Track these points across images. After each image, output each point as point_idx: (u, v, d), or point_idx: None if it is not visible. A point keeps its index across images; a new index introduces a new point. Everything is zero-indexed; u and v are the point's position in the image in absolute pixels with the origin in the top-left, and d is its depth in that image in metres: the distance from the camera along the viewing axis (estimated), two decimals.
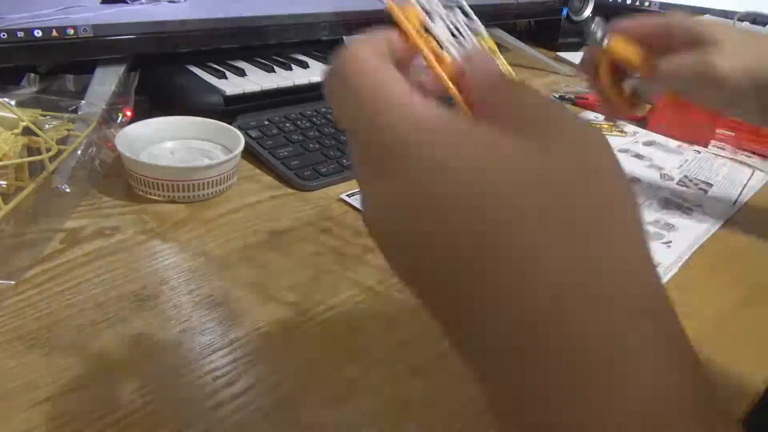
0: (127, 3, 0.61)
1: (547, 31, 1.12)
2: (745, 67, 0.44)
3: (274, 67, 0.71)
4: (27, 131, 0.48)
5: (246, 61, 0.72)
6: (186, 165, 0.51)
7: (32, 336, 0.35)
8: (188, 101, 0.62)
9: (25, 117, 0.48)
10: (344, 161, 0.58)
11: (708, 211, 0.57)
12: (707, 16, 0.99)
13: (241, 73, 0.67)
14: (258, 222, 0.49)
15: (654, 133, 0.76)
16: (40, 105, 0.55)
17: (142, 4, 0.62)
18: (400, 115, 0.19)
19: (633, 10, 1.15)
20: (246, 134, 0.58)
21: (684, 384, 0.17)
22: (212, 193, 0.51)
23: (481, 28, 0.32)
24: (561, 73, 0.99)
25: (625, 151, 0.70)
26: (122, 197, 0.50)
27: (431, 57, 0.24)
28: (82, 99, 0.58)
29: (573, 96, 0.87)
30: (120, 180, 0.51)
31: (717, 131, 0.73)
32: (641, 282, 0.18)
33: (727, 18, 0.95)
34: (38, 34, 0.56)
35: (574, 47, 1.13)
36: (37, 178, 0.46)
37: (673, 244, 0.51)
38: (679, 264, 0.48)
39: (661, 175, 0.64)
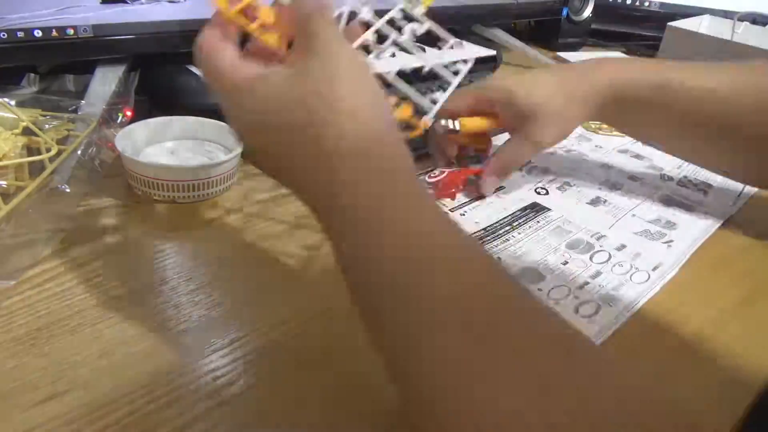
0: (127, 3, 0.61)
1: (547, 31, 1.12)
2: (559, 132, 0.54)
3: None
4: (27, 131, 0.48)
5: None
6: (186, 165, 0.51)
7: (32, 336, 0.35)
8: (188, 101, 0.62)
9: (25, 117, 0.48)
10: None
11: (708, 210, 0.57)
12: (707, 16, 0.99)
13: None
14: (258, 222, 0.49)
15: None
16: (40, 105, 0.55)
17: (142, 4, 0.62)
18: (226, 81, 0.31)
19: (633, 9, 1.15)
20: None
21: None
22: (212, 193, 0.51)
23: None
24: None
25: (625, 151, 0.70)
26: (122, 197, 0.50)
27: (239, 19, 0.32)
28: (82, 99, 0.58)
29: None
30: (120, 180, 0.51)
31: None
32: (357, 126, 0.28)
33: (727, 18, 0.95)
34: (38, 34, 0.56)
35: (574, 47, 1.13)
36: (37, 178, 0.46)
37: (674, 243, 0.51)
38: (680, 264, 0.48)
39: (661, 175, 0.64)
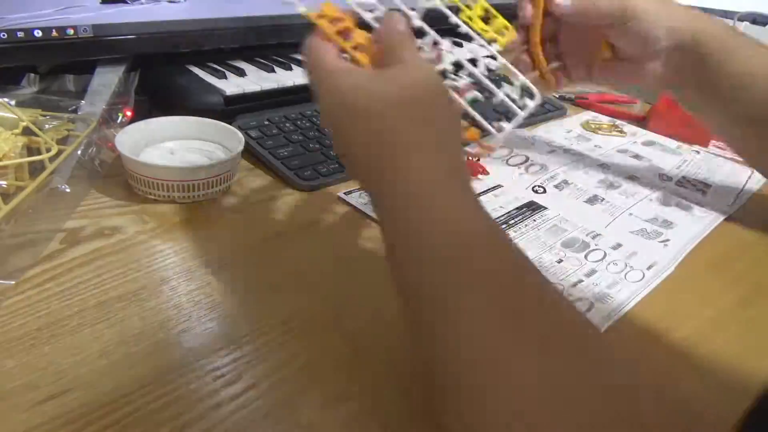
0: (127, 3, 0.61)
1: None
2: (661, 14, 0.49)
3: (274, 67, 0.71)
4: (27, 131, 0.48)
5: (246, 61, 0.72)
6: (186, 165, 0.51)
7: (32, 336, 0.35)
8: (188, 101, 0.62)
9: (25, 117, 0.48)
10: None
11: (707, 210, 0.57)
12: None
13: (241, 73, 0.67)
14: (258, 222, 0.49)
15: (653, 134, 0.76)
16: (40, 105, 0.55)
17: (142, 4, 0.62)
18: (323, 70, 0.36)
19: None
20: (246, 134, 0.58)
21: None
22: (212, 193, 0.51)
23: None
24: None
25: (624, 151, 0.70)
26: (122, 197, 0.50)
27: (337, 39, 0.39)
28: (82, 99, 0.58)
29: (573, 96, 0.87)
30: (120, 180, 0.51)
31: None
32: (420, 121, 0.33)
33: (727, 18, 0.95)
34: (38, 34, 0.56)
35: None
36: (37, 178, 0.46)
37: (671, 242, 0.51)
38: (676, 263, 0.48)
39: (659, 175, 0.64)
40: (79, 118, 0.55)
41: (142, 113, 0.58)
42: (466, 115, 0.43)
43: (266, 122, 0.62)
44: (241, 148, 0.52)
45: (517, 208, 0.55)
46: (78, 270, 0.41)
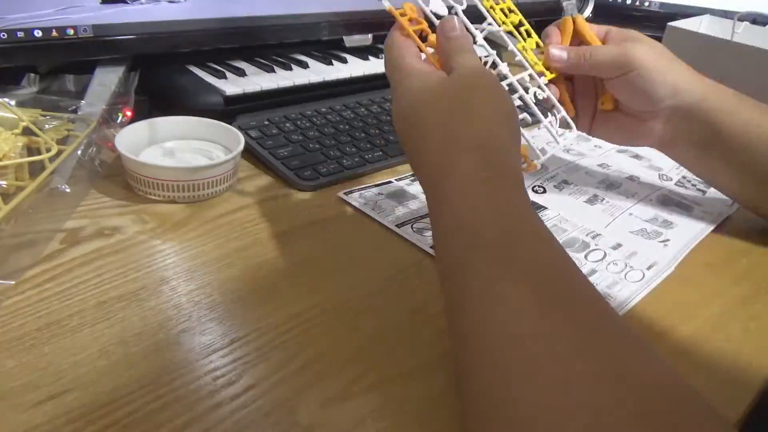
0: (127, 3, 0.61)
1: None
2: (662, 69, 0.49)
3: (274, 67, 0.71)
4: (27, 131, 0.48)
5: (246, 61, 0.72)
6: (186, 165, 0.51)
7: (32, 336, 0.35)
8: (188, 101, 0.62)
9: (25, 117, 0.48)
10: (344, 161, 0.58)
11: (707, 210, 0.57)
12: (707, 16, 0.99)
13: (241, 73, 0.67)
14: (258, 222, 0.49)
15: None
16: (40, 105, 0.55)
17: (142, 4, 0.62)
18: (402, 70, 0.40)
19: (633, 9, 1.15)
20: (246, 134, 0.58)
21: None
22: (212, 193, 0.51)
23: None
24: None
25: (624, 151, 0.70)
26: (122, 197, 0.50)
27: (415, 37, 0.42)
28: (82, 99, 0.58)
29: None
30: (120, 180, 0.51)
31: None
32: (477, 135, 0.36)
33: (727, 18, 0.95)
34: (38, 34, 0.56)
35: None
36: (37, 178, 0.46)
37: (671, 242, 0.51)
38: (676, 262, 0.48)
39: (659, 175, 0.64)
40: (79, 118, 0.55)
41: (142, 113, 0.58)
42: None
43: (266, 122, 0.62)
44: (241, 148, 0.52)
45: None
46: (78, 270, 0.41)
